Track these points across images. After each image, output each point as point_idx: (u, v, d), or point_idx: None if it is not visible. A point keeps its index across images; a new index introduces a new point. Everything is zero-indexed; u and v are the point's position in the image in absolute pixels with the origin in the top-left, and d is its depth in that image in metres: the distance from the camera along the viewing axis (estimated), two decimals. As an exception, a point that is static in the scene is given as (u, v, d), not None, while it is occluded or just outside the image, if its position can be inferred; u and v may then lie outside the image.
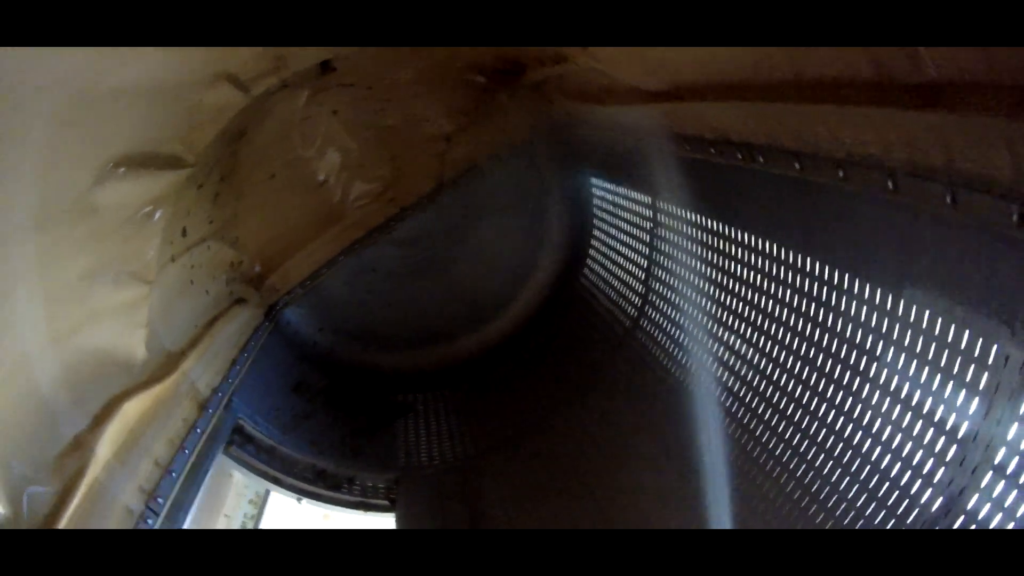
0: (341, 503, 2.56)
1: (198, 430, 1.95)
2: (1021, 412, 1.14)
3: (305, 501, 2.46)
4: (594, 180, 3.10)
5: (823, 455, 1.74)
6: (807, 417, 1.81)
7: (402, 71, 2.41)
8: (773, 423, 1.94)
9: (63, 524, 1.32)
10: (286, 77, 1.95)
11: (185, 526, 1.76)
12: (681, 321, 2.49)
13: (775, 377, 1.95)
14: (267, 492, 2.76)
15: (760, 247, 1.94)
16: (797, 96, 1.37)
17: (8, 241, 1.21)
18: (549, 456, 2.70)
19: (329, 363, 2.99)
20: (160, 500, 1.68)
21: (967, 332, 1.25)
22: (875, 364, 1.56)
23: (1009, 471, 1.19)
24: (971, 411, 1.28)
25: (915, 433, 1.45)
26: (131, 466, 1.62)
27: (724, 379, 2.20)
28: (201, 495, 1.89)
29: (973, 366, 1.26)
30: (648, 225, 2.68)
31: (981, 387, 1.24)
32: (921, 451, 1.42)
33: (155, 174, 1.69)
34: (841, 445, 1.68)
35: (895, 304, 1.45)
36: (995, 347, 1.18)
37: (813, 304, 1.76)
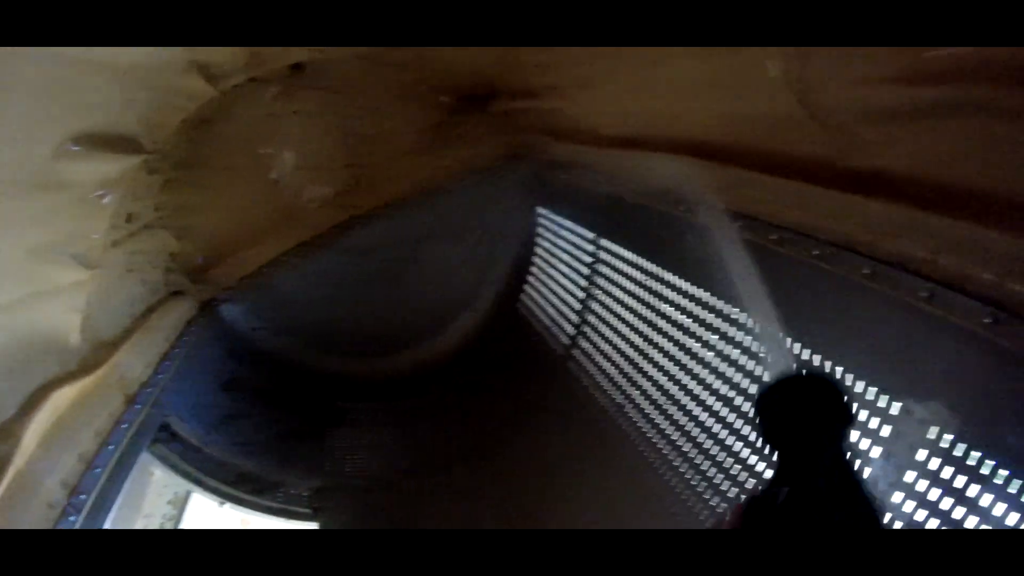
0: (263, 509, 2.49)
1: (124, 425, 1.86)
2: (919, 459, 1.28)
3: (227, 505, 2.38)
4: (545, 211, 3.16)
5: (738, 490, 1.83)
6: (722, 450, 1.91)
7: (371, 82, 2.40)
8: (696, 461, 2.02)
9: (-17, 516, 1.24)
10: (257, 74, 1.91)
11: (106, 525, 1.67)
12: (612, 355, 2.56)
13: (693, 411, 2.05)
14: (188, 493, 2.65)
15: (693, 293, 2.03)
16: (748, 164, 1.49)
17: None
18: (481, 479, 2.70)
19: (263, 364, 2.89)
20: (83, 496, 1.59)
21: (875, 389, 1.39)
22: None
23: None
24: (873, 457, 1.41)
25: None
26: (55, 459, 1.54)
27: (649, 413, 2.28)
28: (122, 493, 1.80)
29: (878, 419, 1.38)
30: (589, 260, 2.76)
31: (883, 436, 1.38)
32: None
33: (112, 156, 1.62)
34: (754, 483, 1.78)
35: (810, 357, 1.56)
36: (899, 404, 1.32)
37: (740, 351, 1.85)
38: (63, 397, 1.61)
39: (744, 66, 1.29)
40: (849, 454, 0.91)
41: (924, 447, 1.26)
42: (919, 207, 1.08)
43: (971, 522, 1.19)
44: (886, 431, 1.37)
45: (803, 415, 0.95)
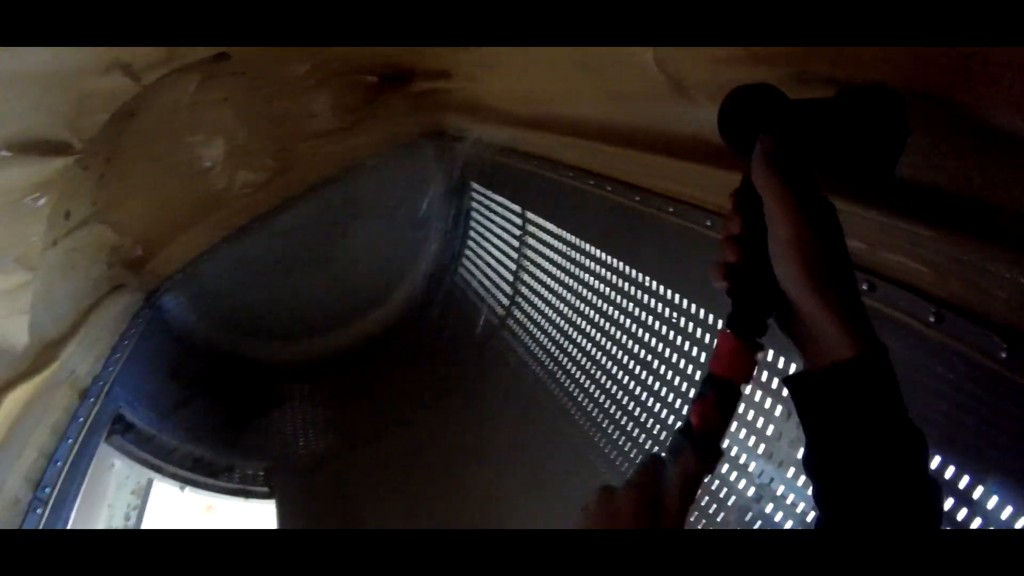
0: (222, 491, 2.56)
1: (80, 418, 1.92)
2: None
3: (188, 489, 2.45)
4: (474, 185, 3.25)
5: (655, 445, 1.99)
6: (644, 412, 2.06)
7: (294, 65, 2.42)
8: (617, 416, 2.17)
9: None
10: (180, 65, 1.94)
11: (71, 516, 1.74)
12: (542, 323, 2.70)
13: (619, 376, 2.19)
14: (149, 482, 2.69)
15: (607, 261, 2.19)
16: (638, 144, 1.62)
17: None
18: (416, 450, 2.82)
19: (207, 351, 2.94)
20: (47, 490, 1.66)
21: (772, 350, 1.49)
22: (697, 369, 1.82)
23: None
24: (767, 435, 1.56)
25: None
26: (16, 456, 1.60)
27: (579, 379, 2.41)
28: (84, 485, 1.86)
29: (770, 399, 1.53)
30: (518, 232, 2.87)
31: (776, 415, 1.52)
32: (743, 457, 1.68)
33: (42, 160, 1.65)
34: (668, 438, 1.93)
35: (715, 321, 1.71)
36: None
37: (651, 316, 2.01)
38: (17, 398, 1.66)
39: (614, 52, 1.36)
40: None
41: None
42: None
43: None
44: (778, 410, 1.51)
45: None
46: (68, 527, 1.71)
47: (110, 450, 2.16)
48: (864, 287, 1.05)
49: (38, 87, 1.51)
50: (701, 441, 0.76)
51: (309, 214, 2.94)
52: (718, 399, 0.78)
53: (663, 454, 0.80)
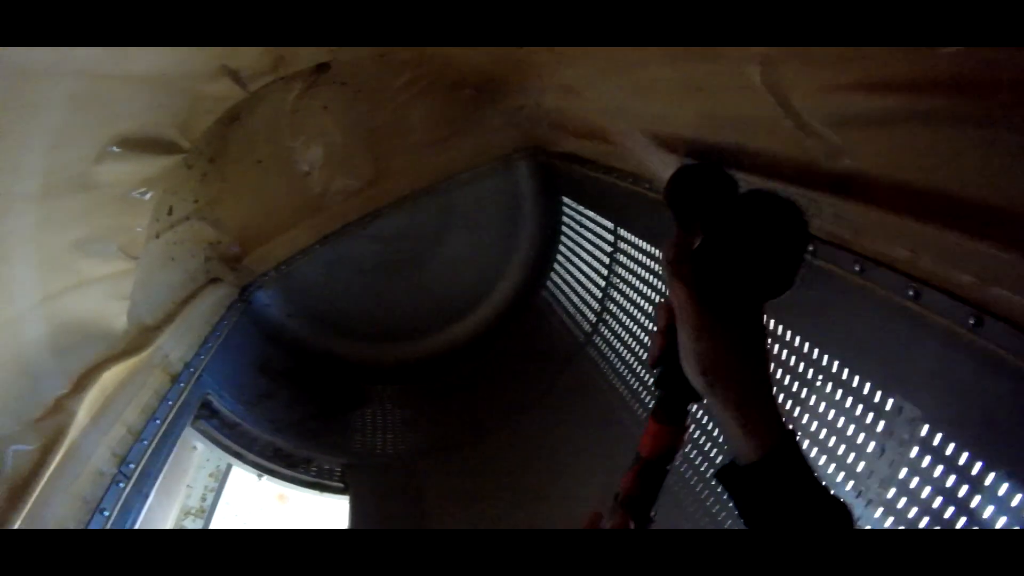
0: (299, 482, 2.65)
1: (169, 401, 2.03)
2: (911, 456, 1.31)
3: (265, 478, 2.55)
4: (565, 200, 3.24)
5: None
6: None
7: (394, 76, 2.50)
8: (702, 444, 2.09)
9: (42, 482, 1.40)
10: (284, 74, 2.04)
11: (151, 493, 1.84)
12: (629, 342, 2.64)
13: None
14: (228, 467, 2.83)
15: None
16: (738, 165, 1.54)
17: (13, 207, 1.29)
18: (492, 461, 2.82)
19: (295, 347, 3.06)
20: (131, 466, 1.76)
21: (867, 384, 1.42)
22: (792, 402, 1.72)
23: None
24: (867, 451, 1.45)
25: (819, 467, 1.60)
26: (105, 430, 1.70)
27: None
28: (167, 465, 1.97)
29: (872, 413, 1.42)
30: (609, 249, 2.83)
31: (878, 431, 1.40)
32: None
33: (151, 157, 1.77)
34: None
35: (810, 351, 1.61)
36: (891, 399, 1.34)
37: None
38: (112, 376, 1.77)
39: (716, 71, 1.33)
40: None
41: (916, 444, 1.29)
42: (894, 210, 1.11)
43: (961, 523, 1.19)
44: (880, 425, 1.40)
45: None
46: (147, 503, 1.81)
47: (194, 433, 2.28)
48: (910, 293, 1.10)
49: (152, 88, 1.63)
50: (627, 504, 0.88)
51: (403, 222, 3.02)
52: (640, 472, 0.87)
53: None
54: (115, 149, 1.60)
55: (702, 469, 2.08)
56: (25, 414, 1.43)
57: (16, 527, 1.28)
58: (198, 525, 2.70)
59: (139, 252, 1.88)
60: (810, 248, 1.38)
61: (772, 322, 1.75)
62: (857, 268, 1.27)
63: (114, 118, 1.56)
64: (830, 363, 1.54)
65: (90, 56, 1.24)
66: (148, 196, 1.87)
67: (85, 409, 1.62)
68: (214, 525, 2.76)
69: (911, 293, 1.11)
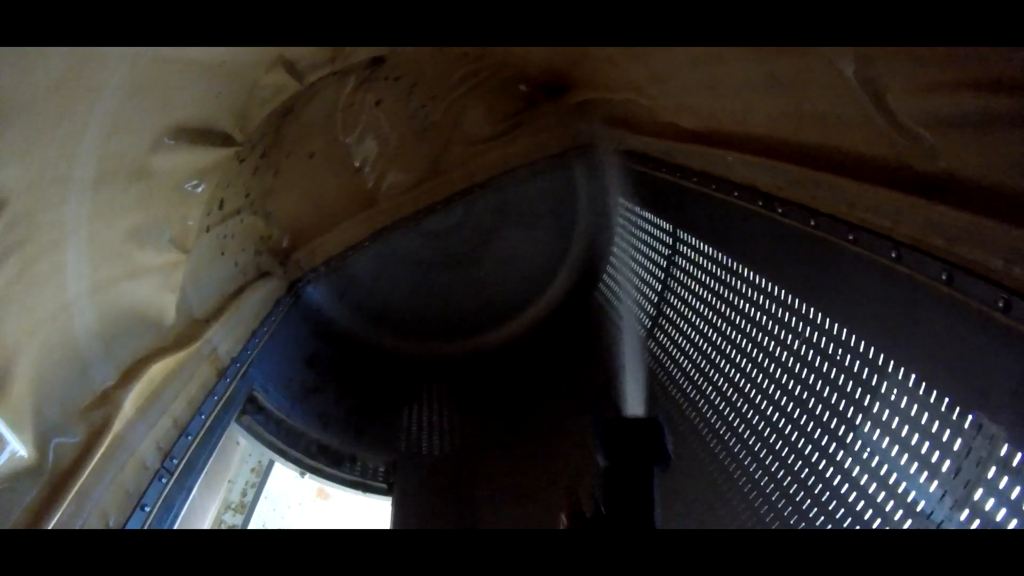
0: (341, 481, 2.62)
1: (215, 396, 2.01)
2: (988, 477, 1.23)
3: (308, 475, 2.52)
4: (621, 200, 3.16)
5: (803, 492, 1.80)
6: (793, 455, 1.87)
7: (448, 72, 2.46)
8: (762, 456, 1.99)
9: (85, 475, 1.37)
10: (340, 67, 2.00)
11: (194, 489, 1.81)
12: (686, 348, 2.55)
13: (768, 412, 2.00)
14: (271, 463, 2.82)
15: (768, 288, 2.00)
16: (820, 164, 1.47)
17: (68, 194, 1.27)
18: (542, 462, 2.75)
19: (343, 341, 3.05)
20: (175, 460, 1.74)
21: (946, 399, 1.33)
22: (860, 415, 1.63)
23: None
24: (942, 471, 1.36)
25: (890, 485, 1.51)
26: (151, 424, 1.68)
27: (720, 407, 2.25)
28: (211, 459, 1.95)
29: (948, 430, 1.33)
30: (666, 251, 2.74)
31: (955, 449, 1.31)
32: (892, 501, 1.49)
33: (205, 148, 1.75)
34: (821, 486, 1.74)
35: (885, 362, 1.52)
36: (970, 416, 1.26)
37: (811, 350, 1.81)
38: (159, 369, 1.75)
39: (804, 67, 1.27)
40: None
41: (994, 463, 1.22)
42: (990, 215, 1.05)
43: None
44: (957, 444, 1.31)
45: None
46: (190, 499, 1.79)
47: (238, 429, 2.26)
48: (1000, 305, 1.08)
49: (210, 76, 1.61)
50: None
51: (456, 218, 2.98)
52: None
53: None
54: (169, 141, 1.58)
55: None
56: (72, 403, 1.41)
57: (57, 518, 1.26)
58: (238, 520, 2.70)
59: (190, 245, 1.86)
60: (893, 254, 1.31)
61: (845, 331, 1.66)
62: (945, 276, 1.19)
63: (171, 106, 1.53)
64: (906, 376, 1.45)
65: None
66: (200, 189, 1.85)
67: (132, 401, 1.60)
68: (253, 521, 2.75)
69: (1001, 304, 1.06)
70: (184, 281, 1.87)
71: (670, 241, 2.72)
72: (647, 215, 2.92)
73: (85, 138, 1.23)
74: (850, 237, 1.44)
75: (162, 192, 1.67)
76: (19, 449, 1.18)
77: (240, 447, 2.61)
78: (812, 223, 1.57)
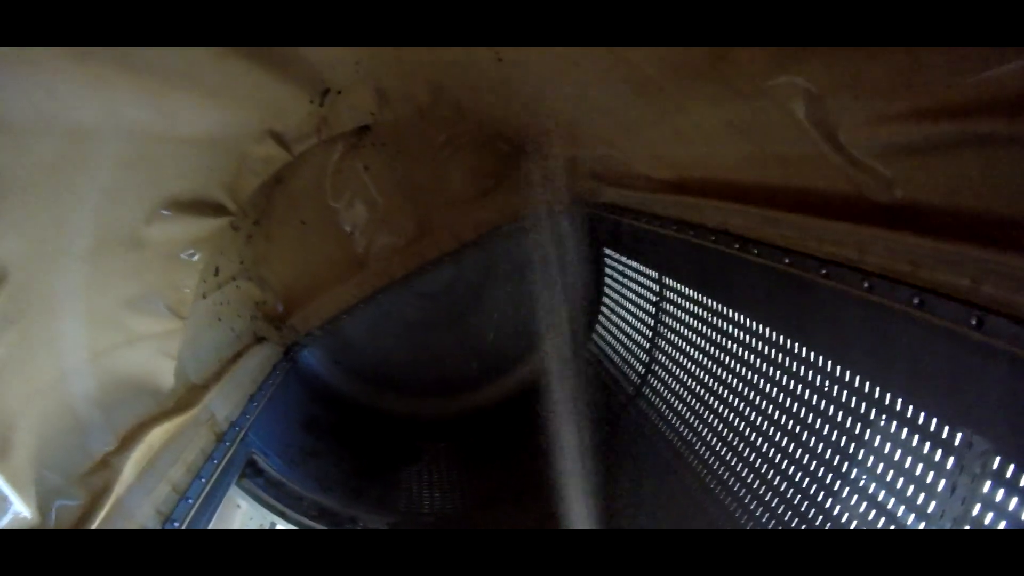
0: (343, 543, 2.61)
1: (214, 460, 2.04)
2: (984, 491, 1.23)
3: (309, 537, 2.52)
4: (607, 251, 3.23)
5: (801, 523, 1.81)
6: (792, 490, 1.88)
7: (431, 136, 2.57)
8: (761, 493, 2.00)
9: (86, 537, 1.40)
10: (326, 137, 2.10)
11: (194, 552, 1.82)
12: (680, 392, 2.57)
13: (764, 449, 2.02)
14: (272, 524, 2.81)
15: (753, 328, 2.04)
16: (786, 204, 1.54)
17: (61, 265, 1.33)
18: (545, 517, 2.74)
19: (341, 403, 3.08)
20: (175, 524, 1.76)
21: (934, 419, 1.35)
22: (853, 444, 1.65)
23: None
24: (938, 490, 1.37)
25: (888, 509, 1.52)
26: (151, 489, 1.71)
27: (717, 448, 2.26)
28: (211, 523, 1.96)
29: (940, 450, 1.35)
30: (654, 299, 2.80)
31: (947, 468, 1.33)
32: (893, 526, 1.50)
33: (199, 218, 1.83)
34: (821, 519, 1.75)
35: (871, 390, 1.54)
36: (960, 434, 1.28)
37: (800, 385, 1.84)
38: (158, 434, 1.79)
39: (759, 112, 1.33)
40: None
41: (988, 477, 1.22)
42: (951, 238, 1.10)
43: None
44: (950, 463, 1.32)
45: None
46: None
47: (239, 492, 2.27)
48: (973, 322, 1.09)
49: (200, 150, 1.70)
50: None
51: (447, 277, 3.05)
52: None
53: None
54: (164, 212, 1.66)
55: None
56: (72, 468, 1.45)
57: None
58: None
59: (186, 312, 1.92)
60: (864, 285, 1.36)
61: (830, 363, 1.70)
62: (916, 301, 1.22)
63: (164, 179, 1.62)
64: (893, 401, 1.47)
65: (139, 117, 1.30)
66: (196, 257, 1.92)
67: (131, 466, 1.64)
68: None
69: (974, 322, 1.08)
70: (182, 347, 1.92)
71: (657, 288, 2.77)
72: (633, 264, 2.99)
73: (81, 211, 1.31)
74: (823, 272, 1.48)
75: (158, 261, 1.74)
76: (22, 511, 1.22)
77: (241, 510, 2.60)
78: (786, 260, 1.62)
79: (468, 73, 1.94)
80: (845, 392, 1.65)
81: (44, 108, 1.06)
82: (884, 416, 1.52)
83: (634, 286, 3.01)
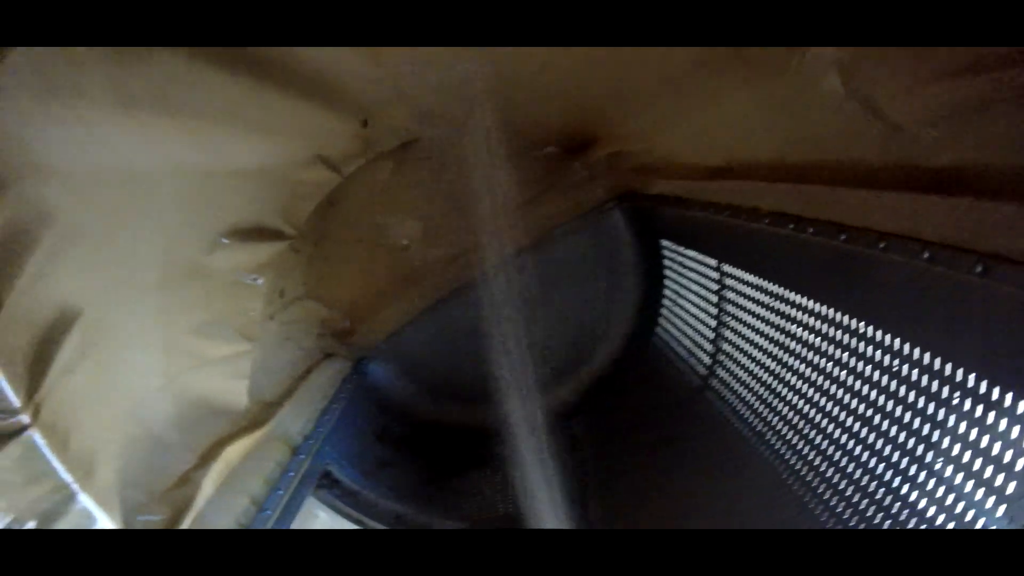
0: (419, 548, 2.69)
1: (290, 472, 2.14)
2: None
3: (385, 544, 2.61)
4: (664, 243, 3.21)
5: (882, 515, 1.75)
6: (867, 476, 1.82)
7: (477, 146, 2.62)
8: (835, 482, 1.95)
9: (171, 550, 1.51)
10: (372, 156, 2.18)
11: (275, 560, 1.92)
12: (748, 381, 2.53)
13: (836, 436, 1.97)
14: (350, 534, 2.93)
15: (816, 310, 1.99)
16: (836, 180, 1.50)
17: (135, 298, 1.45)
18: (617, 515, 2.75)
19: (408, 413, 3.16)
20: (255, 534, 1.86)
21: (1009, 394, 1.29)
22: (928, 425, 1.59)
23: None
24: (1015, 470, 1.30)
25: (967, 494, 1.46)
26: (230, 502, 1.82)
27: (791, 439, 2.22)
28: (290, 532, 2.06)
29: (1018, 427, 1.28)
30: (715, 287, 2.76)
31: None
32: (972, 512, 1.45)
33: (259, 244, 1.94)
34: (899, 505, 1.69)
35: (942, 366, 1.48)
36: None
37: (868, 366, 1.79)
38: (235, 450, 1.90)
39: (793, 91, 1.31)
40: None
41: None
42: (1006, 199, 1.05)
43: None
44: (1015, 431, 1.28)
45: None
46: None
47: (316, 503, 2.38)
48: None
49: (254, 181, 1.80)
50: None
51: (503, 285, 3.09)
52: None
53: None
54: (225, 240, 1.77)
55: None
56: (154, 486, 1.56)
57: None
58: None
59: (255, 334, 2.03)
60: (924, 255, 1.32)
61: (898, 341, 1.65)
62: (980, 269, 1.17)
63: (220, 212, 1.72)
64: (965, 377, 1.40)
65: (187, 157, 1.40)
66: (260, 281, 2.03)
67: (210, 481, 1.74)
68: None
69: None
70: (253, 368, 2.03)
71: (717, 276, 2.74)
72: (691, 254, 2.96)
73: (145, 249, 1.42)
74: (881, 246, 1.44)
75: (223, 288, 1.85)
76: (107, 527, 1.33)
77: (319, 520, 2.72)
78: (842, 237, 1.58)
79: (505, 85, 1.98)
80: (916, 371, 1.58)
81: (101, 159, 1.16)
82: (958, 394, 1.44)
83: (694, 276, 2.98)
